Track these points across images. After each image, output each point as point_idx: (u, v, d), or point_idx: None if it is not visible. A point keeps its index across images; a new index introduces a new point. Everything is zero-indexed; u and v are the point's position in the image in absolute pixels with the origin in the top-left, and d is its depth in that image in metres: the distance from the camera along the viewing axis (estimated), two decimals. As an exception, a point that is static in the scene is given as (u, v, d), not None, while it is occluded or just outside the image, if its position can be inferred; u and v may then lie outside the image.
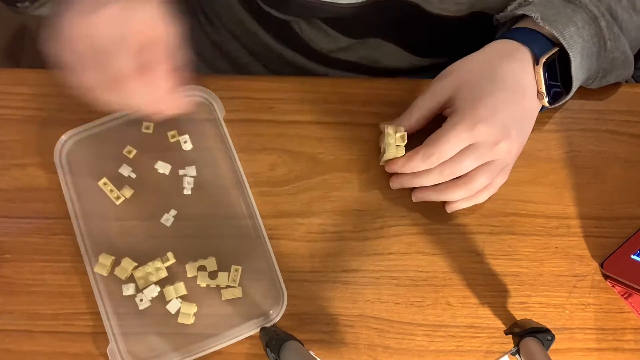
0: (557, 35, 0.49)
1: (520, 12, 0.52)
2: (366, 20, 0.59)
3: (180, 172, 0.54)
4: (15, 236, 0.53)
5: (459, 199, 0.52)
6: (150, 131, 0.55)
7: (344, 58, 0.66)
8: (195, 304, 0.51)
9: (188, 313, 0.50)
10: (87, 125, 0.55)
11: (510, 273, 0.54)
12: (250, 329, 0.51)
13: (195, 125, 0.56)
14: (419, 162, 0.50)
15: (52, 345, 0.51)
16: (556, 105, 0.53)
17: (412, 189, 0.54)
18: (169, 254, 0.52)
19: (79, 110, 0.56)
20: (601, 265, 0.54)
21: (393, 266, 0.53)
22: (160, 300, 0.51)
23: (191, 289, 0.52)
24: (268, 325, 0.51)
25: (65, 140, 0.54)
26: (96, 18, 0.41)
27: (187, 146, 0.55)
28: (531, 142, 0.54)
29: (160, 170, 0.54)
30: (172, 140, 0.55)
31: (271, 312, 0.51)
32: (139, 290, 0.51)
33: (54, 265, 0.52)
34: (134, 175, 0.54)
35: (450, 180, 0.51)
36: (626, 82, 0.60)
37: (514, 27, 0.53)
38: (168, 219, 0.53)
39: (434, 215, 0.55)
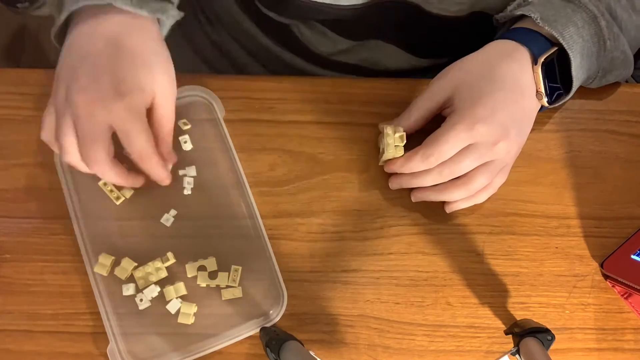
0: (556, 36, 0.49)
1: (519, 12, 0.52)
2: (366, 22, 0.59)
3: (180, 172, 0.54)
4: (15, 236, 0.53)
5: (459, 199, 0.52)
6: (150, 131, 0.55)
7: (344, 60, 0.66)
8: (195, 304, 0.51)
9: (188, 313, 0.50)
10: (87, 125, 0.55)
11: (510, 273, 0.54)
12: (250, 329, 0.51)
13: (195, 125, 0.56)
14: (418, 163, 0.50)
15: (52, 345, 0.51)
16: (556, 105, 0.53)
17: (412, 189, 0.54)
18: (169, 254, 0.52)
19: (79, 110, 0.56)
20: (601, 265, 0.54)
21: (393, 266, 0.53)
22: (160, 300, 0.51)
23: (191, 289, 0.52)
24: (268, 325, 0.51)
25: (65, 140, 0.54)
26: (81, 104, 0.44)
27: (187, 146, 0.55)
28: (531, 142, 0.54)
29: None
30: (182, 127, 0.55)
31: (271, 312, 0.51)
32: (139, 290, 0.51)
33: (54, 265, 0.52)
34: (134, 175, 0.54)
35: (450, 180, 0.51)
36: (626, 82, 0.60)
37: (513, 27, 0.53)
38: (168, 219, 0.53)
39: (434, 215, 0.55)
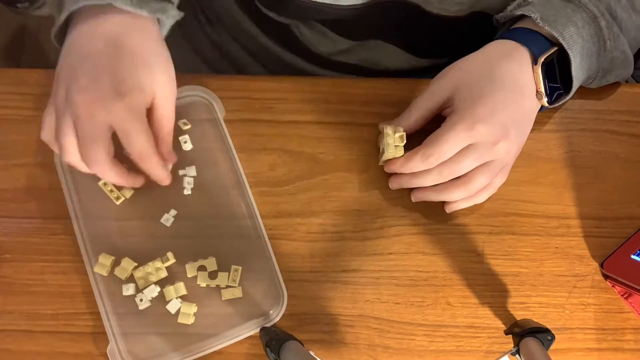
0: (556, 36, 0.49)
1: (519, 12, 0.52)
2: (366, 22, 0.59)
3: (180, 172, 0.54)
4: (15, 236, 0.53)
5: (459, 199, 0.52)
6: (150, 131, 0.55)
7: (344, 61, 0.66)
8: (195, 304, 0.51)
9: (188, 313, 0.50)
10: (87, 125, 0.55)
11: (510, 273, 0.54)
12: (250, 329, 0.51)
13: (195, 125, 0.56)
14: (418, 163, 0.50)
15: (52, 345, 0.51)
16: (556, 105, 0.53)
17: (412, 189, 0.54)
18: (169, 254, 0.52)
19: (79, 110, 0.56)
20: (601, 265, 0.54)
21: (393, 266, 0.53)
22: (160, 300, 0.51)
23: (191, 289, 0.52)
24: (268, 325, 0.51)
25: (65, 140, 0.54)
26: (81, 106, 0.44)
27: (187, 146, 0.55)
28: (531, 142, 0.54)
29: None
30: (182, 127, 0.55)
31: (271, 312, 0.51)
32: (139, 290, 0.51)
33: (54, 265, 0.52)
34: (134, 175, 0.54)
35: (450, 180, 0.51)
36: (626, 82, 0.60)
37: (513, 27, 0.53)
38: (168, 219, 0.53)
39: (434, 215, 0.55)
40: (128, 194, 0.54)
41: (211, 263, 0.52)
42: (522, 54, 0.50)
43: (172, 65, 0.49)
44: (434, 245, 0.54)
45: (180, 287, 0.51)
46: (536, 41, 0.51)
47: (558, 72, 0.52)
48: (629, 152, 0.57)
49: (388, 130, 0.51)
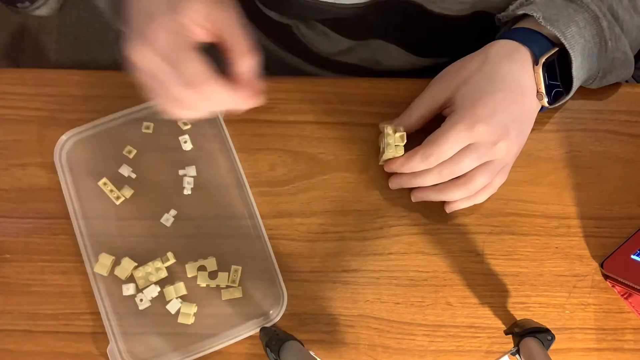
0: (558, 35, 0.49)
1: (521, 11, 0.52)
2: (368, 21, 0.59)
3: (180, 172, 0.54)
4: (15, 236, 0.53)
5: (458, 199, 0.52)
6: (150, 131, 0.55)
7: (344, 61, 0.66)
8: (195, 304, 0.51)
9: (188, 313, 0.50)
10: (87, 125, 0.55)
11: (510, 273, 0.54)
12: (250, 329, 0.51)
13: (195, 125, 0.56)
14: (418, 162, 0.50)
15: (52, 345, 0.51)
16: (556, 105, 0.53)
17: (412, 189, 0.54)
18: (169, 254, 0.52)
19: (79, 110, 0.56)
20: (601, 265, 0.54)
21: (393, 266, 0.53)
22: (160, 300, 0.51)
23: (191, 289, 0.52)
24: (268, 325, 0.51)
25: (65, 140, 0.54)
26: (151, 34, 0.41)
27: (187, 146, 0.55)
28: (531, 142, 0.54)
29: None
30: (182, 127, 0.55)
31: (271, 312, 0.51)
32: (139, 290, 0.51)
33: (54, 265, 0.52)
34: (134, 175, 0.54)
35: (450, 180, 0.51)
36: (626, 82, 0.60)
37: (514, 27, 0.53)
38: (168, 219, 0.53)
39: (434, 215, 0.55)
40: (128, 194, 0.54)
41: (211, 263, 0.52)
42: (523, 54, 0.50)
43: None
44: (434, 245, 0.54)
45: (180, 287, 0.51)
46: (537, 41, 0.51)
47: (559, 73, 0.52)
48: (629, 152, 0.57)
49: (388, 129, 0.51)
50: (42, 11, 0.53)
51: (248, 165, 0.55)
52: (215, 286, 0.52)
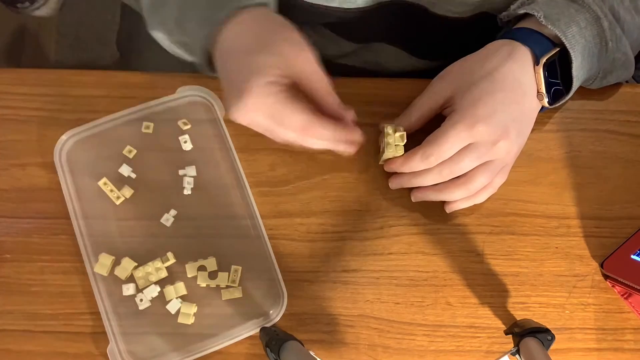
0: (559, 35, 0.49)
1: (522, 10, 0.52)
2: (371, 24, 0.59)
3: (180, 172, 0.54)
4: (15, 236, 0.53)
5: (458, 199, 0.52)
6: (150, 131, 0.55)
7: (347, 63, 0.66)
8: (195, 304, 0.51)
9: (188, 313, 0.50)
10: (87, 125, 0.55)
11: (510, 273, 0.54)
12: (250, 329, 0.51)
13: (195, 125, 0.56)
14: (417, 162, 0.50)
15: (52, 345, 0.51)
16: (556, 105, 0.53)
17: (412, 189, 0.54)
18: (169, 254, 0.52)
19: (79, 110, 0.56)
20: (601, 265, 0.54)
21: (393, 266, 0.53)
22: (160, 300, 0.51)
23: (191, 289, 0.52)
24: (268, 325, 0.51)
25: (65, 140, 0.54)
26: (246, 101, 0.44)
27: (187, 146, 0.55)
28: (531, 142, 0.54)
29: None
30: (182, 127, 0.55)
31: (271, 312, 0.51)
32: (139, 290, 0.51)
33: (54, 265, 0.52)
34: (134, 175, 0.54)
35: (450, 180, 0.51)
36: (626, 82, 0.60)
37: (515, 27, 0.53)
38: (168, 219, 0.53)
39: (434, 215, 0.55)
40: (128, 193, 0.54)
41: (211, 263, 0.52)
42: (523, 54, 0.50)
43: (295, 36, 0.48)
44: (434, 245, 0.54)
45: (180, 287, 0.51)
46: (538, 42, 0.51)
47: (559, 73, 0.52)
48: (629, 152, 0.57)
49: (388, 129, 0.51)
50: (42, 11, 0.53)
51: (248, 165, 0.55)
52: (215, 286, 0.52)
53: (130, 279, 0.51)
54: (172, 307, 0.51)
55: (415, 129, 0.53)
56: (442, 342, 0.52)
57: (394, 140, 0.51)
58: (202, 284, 0.52)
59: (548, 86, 0.51)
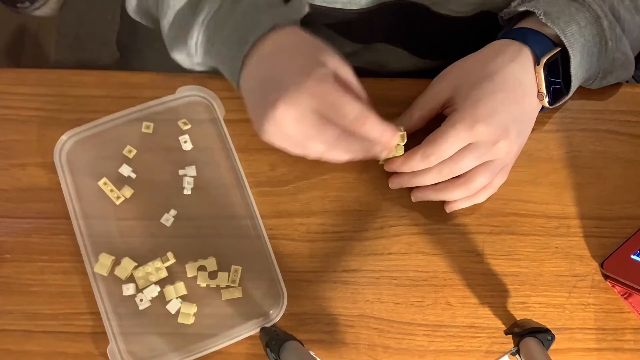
0: (558, 33, 0.49)
1: (523, 8, 0.52)
2: (373, 24, 0.59)
3: (180, 172, 0.54)
4: (15, 236, 0.53)
5: (458, 199, 0.52)
6: (150, 131, 0.55)
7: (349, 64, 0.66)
8: (195, 304, 0.51)
9: (188, 313, 0.50)
10: (87, 125, 0.55)
11: (510, 273, 0.54)
12: (250, 329, 0.51)
13: (195, 125, 0.56)
14: (418, 161, 0.50)
15: (52, 345, 0.51)
16: (556, 105, 0.53)
17: (412, 189, 0.54)
18: (169, 254, 0.52)
19: (79, 110, 0.56)
20: (601, 265, 0.54)
21: (393, 266, 0.53)
22: (160, 300, 0.51)
23: (191, 289, 0.52)
24: (268, 325, 0.51)
25: (65, 140, 0.54)
26: (307, 88, 0.44)
27: (187, 146, 0.55)
28: (531, 142, 0.54)
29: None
30: (182, 127, 0.55)
31: (271, 312, 0.51)
32: (139, 290, 0.51)
33: (54, 265, 0.52)
34: (134, 175, 0.54)
35: (450, 179, 0.51)
36: (626, 82, 0.60)
37: (516, 27, 0.53)
38: (168, 219, 0.53)
39: (434, 215, 0.55)
40: (128, 193, 0.54)
41: (211, 263, 0.52)
42: (524, 54, 0.50)
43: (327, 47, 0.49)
44: (434, 245, 0.54)
45: (180, 287, 0.51)
46: (539, 41, 0.51)
47: (561, 73, 0.52)
48: (629, 152, 0.57)
49: (388, 130, 0.51)
50: (42, 11, 0.53)
51: (248, 165, 0.55)
52: (215, 286, 0.52)
53: (130, 279, 0.51)
54: (172, 307, 0.51)
55: (415, 128, 0.53)
56: (442, 342, 0.52)
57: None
58: (202, 284, 0.52)
59: (548, 86, 0.51)
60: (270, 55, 0.48)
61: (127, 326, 0.51)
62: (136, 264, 0.51)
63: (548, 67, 0.50)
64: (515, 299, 0.53)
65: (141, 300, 0.51)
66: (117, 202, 0.53)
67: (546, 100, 0.51)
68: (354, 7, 0.56)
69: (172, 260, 0.52)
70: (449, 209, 0.54)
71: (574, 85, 0.52)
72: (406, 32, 0.61)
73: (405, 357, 0.52)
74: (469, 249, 0.54)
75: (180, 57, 0.55)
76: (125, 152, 0.54)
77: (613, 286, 0.54)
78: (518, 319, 0.52)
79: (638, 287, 0.50)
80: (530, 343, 0.46)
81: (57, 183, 0.53)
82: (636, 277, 0.50)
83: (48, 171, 0.54)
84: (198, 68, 0.57)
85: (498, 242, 0.54)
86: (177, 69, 0.57)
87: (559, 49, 0.51)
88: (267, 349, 0.44)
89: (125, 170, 0.54)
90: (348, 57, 0.65)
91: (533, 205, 0.55)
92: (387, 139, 0.46)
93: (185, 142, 0.55)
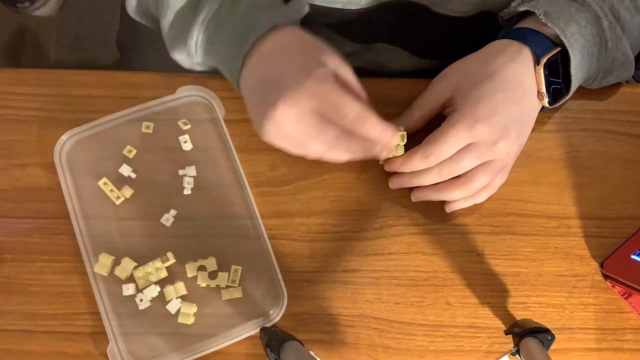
0: (558, 33, 0.49)
1: (523, 8, 0.52)
2: (373, 24, 0.59)
3: (180, 172, 0.54)
4: (15, 236, 0.53)
5: (458, 199, 0.52)
6: (150, 131, 0.55)
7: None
8: (195, 304, 0.51)
9: (188, 313, 0.50)
10: (87, 125, 0.55)
11: (510, 273, 0.54)
12: (250, 329, 0.51)
13: (195, 125, 0.56)
14: (418, 161, 0.50)
15: (52, 345, 0.51)
16: (556, 105, 0.53)
17: (412, 189, 0.54)
18: (169, 254, 0.52)
19: (79, 110, 0.56)
20: (601, 265, 0.54)
21: (393, 266, 0.53)
22: (160, 300, 0.51)
23: (191, 289, 0.52)
24: (268, 325, 0.51)
25: (65, 140, 0.54)
26: (307, 88, 0.44)
27: (187, 146, 0.55)
28: (531, 142, 0.54)
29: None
30: (182, 127, 0.55)
31: (271, 312, 0.51)
32: (139, 290, 0.51)
33: (54, 265, 0.52)
34: (134, 175, 0.54)
35: (450, 179, 0.51)
36: (626, 82, 0.60)
37: (516, 27, 0.53)
38: (168, 219, 0.53)
39: (434, 215, 0.55)
40: (128, 193, 0.54)
41: (211, 263, 0.52)
42: (524, 54, 0.50)
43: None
44: (434, 245, 0.54)
45: (180, 287, 0.51)
46: (539, 41, 0.51)
47: (561, 73, 0.52)
48: (629, 152, 0.57)
49: (388, 130, 0.51)
50: (42, 11, 0.53)
51: (248, 165, 0.55)
52: (215, 286, 0.52)
53: (130, 279, 0.51)
54: (172, 307, 0.51)
55: (416, 129, 0.53)
56: (442, 342, 0.52)
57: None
58: (202, 284, 0.52)
59: (548, 86, 0.51)
60: (270, 56, 0.48)
61: (127, 326, 0.51)
62: (136, 264, 0.51)
63: (548, 67, 0.50)
64: (515, 299, 0.53)
65: (141, 300, 0.51)
66: (117, 202, 0.53)
67: (546, 100, 0.51)
68: (353, 7, 0.56)
69: (172, 260, 0.52)
70: (449, 209, 0.54)
71: (574, 85, 0.52)
72: (406, 32, 0.61)
73: (405, 357, 0.52)
74: (469, 249, 0.54)
75: (180, 57, 0.56)
76: (125, 152, 0.54)
77: (613, 286, 0.54)
78: (518, 319, 0.52)
79: (638, 287, 0.50)
80: (530, 343, 0.46)
81: (57, 183, 0.53)
82: (636, 277, 0.51)
83: (48, 171, 0.54)
84: (198, 68, 0.57)
85: (498, 242, 0.54)
86: (177, 69, 0.57)
87: (559, 48, 0.51)
88: (267, 349, 0.44)
89: (125, 170, 0.54)
90: (348, 57, 0.65)
91: (533, 205, 0.55)
92: (387, 139, 0.46)
93: (185, 142, 0.55)
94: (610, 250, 0.54)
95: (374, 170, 0.56)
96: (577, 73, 0.51)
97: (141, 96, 0.56)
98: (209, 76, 0.57)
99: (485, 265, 0.54)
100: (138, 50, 0.83)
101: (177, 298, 0.51)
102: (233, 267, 0.52)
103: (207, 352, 0.50)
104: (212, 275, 0.52)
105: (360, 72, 0.66)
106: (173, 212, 0.53)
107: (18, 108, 0.56)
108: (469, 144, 0.49)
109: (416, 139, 0.51)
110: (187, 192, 0.54)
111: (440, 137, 0.48)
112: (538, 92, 0.51)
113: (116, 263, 0.52)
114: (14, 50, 1.26)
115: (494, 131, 0.48)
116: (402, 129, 0.52)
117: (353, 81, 0.48)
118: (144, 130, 0.55)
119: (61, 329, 0.51)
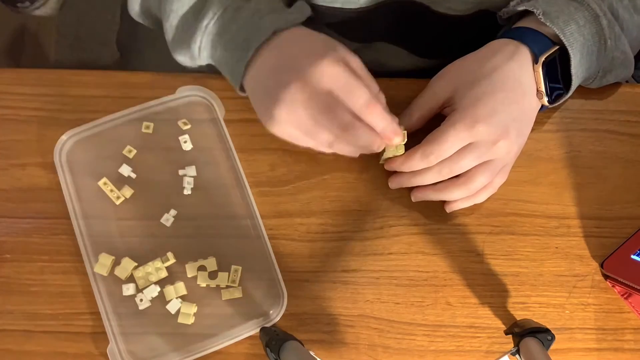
0: (557, 32, 0.49)
1: (522, 7, 0.52)
2: (372, 24, 0.59)
3: (180, 172, 0.54)
4: (15, 236, 0.53)
5: (458, 199, 0.52)
6: (150, 131, 0.55)
7: None
8: (195, 304, 0.51)
9: (188, 313, 0.50)
10: (87, 125, 0.55)
11: (510, 273, 0.54)
12: (250, 329, 0.51)
13: (195, 125, 0.56)
14: (418, 161, 0.50)
15: (52, 345, 0.51)
16: (556, 104, 0.53)
17: (412, 189, 0.54)
18: (169, 254, 0.52)
19: (79, 110, 0.56)
20: (601, 265, 0.54)
21: (393, 266, 0.53)
22: (160, 300, 0.51)
23: (191, 289, 0.52)
24: (268, 325, 0.51)
25: (65, 140, 0.54)
26: (318, 71, 0.45)
27: (187, 146, 0.55)
28: (531, 142, 0.54)
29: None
30: (182, 127, 0.55)
31: (271, 312, 0.51)
32: (139, 290, 0.51)
33: (54, 265, 0.52)
34: (134, 175, 0.54)
35: (450, 179, 0.51)
36: (626, 82, 0.60)
37: (515, 26, 0.53)
38: (168, 219, 0.53)
39: (434, 215, 0.55)
40: (128, 194, 0.54)
41: (211, 263, 0.52)
42: (523, 54, 0.50)
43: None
44: (434, 245, 0.54)
45: (180, 287, 0.51)
46: (538, 40, 0.51)
47: (560, 72, 0.52)
48: (629, 152, 0.57)
49: (388, 130, 0.51)
50: (42, 11, 0.53)
51: (248, 165, 0.55)
52: (215, 286, 0.52)
53: (130, 279, 0.51)
54: (172, 307, 0.51)
55: (415, 128, 0.53)
56: (442, 342, 0.52)
57: (394, 140, 0.51)
58: (202, 284, 0.52)
59: (547, 84, 0.51)
60: (279, 47, 0.49)
61: (127, 326, 0.51)
62: (136, 264, 0.51)
63: (547, 66, 0.50)
64: (515, 299, 0.53)
65: (141, 300, 0.51)
66: (117, 202, 0.53)
67: (545, 99, 0.51)
68: (353, 7, 0.56)
69: (172, 260, 0.52)
70: (449, 208, 0.54)
71: (574, 84, 0.52)
72: (405, 31, 0.61)
73: (405, 357, 0.52)
74: (469, 249, 0.54)
75: (182, 59, 0.56)
76: (125, 152, 0.54)
77: (613, 286, 0.54)
78: (518, 319, 0.52)
79: (638, 287, 0.50)
80: (530, 343, 0.46)
81: (57, 183, 0.53)
82: (636, 277, 0.50)
83: (48, 171, 0.54)
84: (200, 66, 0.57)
85: (498, 242, 0.54)
86: (177, 68, 0.57)
87: (557, 47, 0.51)
88: (267, 349, 0.44)
89: (125, 170, 0.54)
90: None
91: (533, 205, 0.55)
92: (391, 132, 0.47)
93: (185, 142, 0.55)
94: (610, 250, 0.54)
95: (374, 170, 0.56)
96: (577, 72, 0.51)
97: (141, 96, 0.56)
98: (209, 76, 0.57)
99: (485, 265, 0.54)
100: (138, 50, 0.83)
101: (177, 298, 0.51)
102: (233, 267, 0.52)
103: (207, 352, 0.50)
104: (212, 275, 0.52)
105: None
106: (173, 212, 0.53)
107: (18, 108, 0.56)
108: (469, 144, 0.49)
109: (416, 138, 0.51)
110: (187, 192, 0.54)
111: (440, 136, 0.48)
112: (537, 90, 0.51)
113: (116, 263, 0.52)
114: (14, 50, 1.26)
115: (494, 131, 0.48)
116: (402, 128, 0.52)
117: (363, 72, 0.48)
118: (144, 130, 0.55)
119: (61, 329, 0.51)
